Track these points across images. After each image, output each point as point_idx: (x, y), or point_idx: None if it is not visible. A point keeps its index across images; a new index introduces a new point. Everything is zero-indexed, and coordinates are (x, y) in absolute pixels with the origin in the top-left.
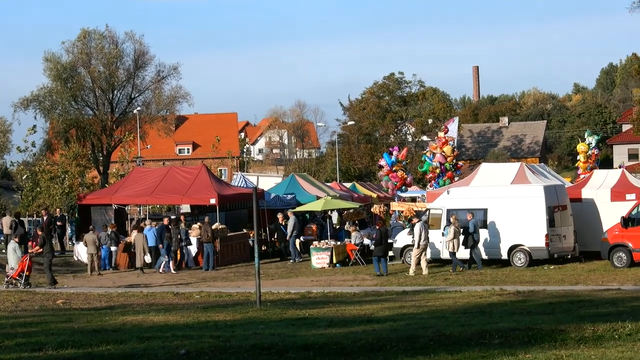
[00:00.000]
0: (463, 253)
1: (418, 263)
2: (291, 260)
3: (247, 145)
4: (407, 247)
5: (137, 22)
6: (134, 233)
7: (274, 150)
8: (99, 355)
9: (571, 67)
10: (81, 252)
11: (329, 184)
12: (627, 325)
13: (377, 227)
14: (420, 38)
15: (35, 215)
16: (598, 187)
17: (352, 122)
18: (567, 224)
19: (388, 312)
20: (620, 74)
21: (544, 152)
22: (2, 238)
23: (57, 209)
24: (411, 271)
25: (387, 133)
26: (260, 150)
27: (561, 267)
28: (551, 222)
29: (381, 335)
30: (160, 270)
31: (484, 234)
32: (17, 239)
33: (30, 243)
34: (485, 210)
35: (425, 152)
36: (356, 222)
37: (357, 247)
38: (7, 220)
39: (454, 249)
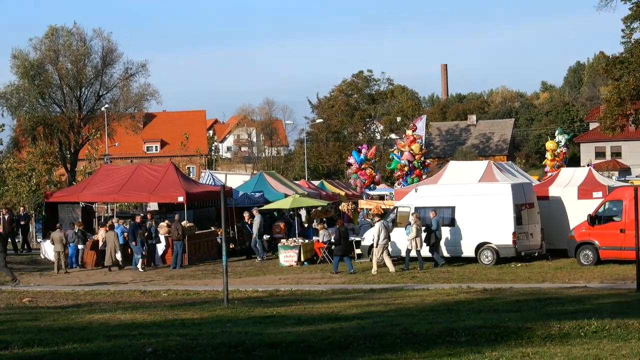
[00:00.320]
0: (425, 250)
1: (383, 261)
2: (257, 259)
3: (216, 143)
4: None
5: (106, 20)
6: (102, 231)
7: (243, 148)
8: (65, 353)
9: (539, 65)
10: (48, 250)
11: (297, 182)
12: (593, 323)
13: (337, 227)
14: (388, 36)
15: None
16: (565, 185)
17: (321, 120)
18: (535, 222)
19: (356, 310)
20: (588, 72)
21: (512, 150)
22: None
23: (22, 207)
24: (373, 270)
25: (355, 131)
26: (228, 148)
27: (528, 265)
28: (518, 220)
29: (348, 333)
30: (140, 268)
31: (452, 231)
32: None
33: None
34: (452, 208)
35: (393, 150)
36: (324, 220)
37: (325, 245)
38: None
39: (416, 247)
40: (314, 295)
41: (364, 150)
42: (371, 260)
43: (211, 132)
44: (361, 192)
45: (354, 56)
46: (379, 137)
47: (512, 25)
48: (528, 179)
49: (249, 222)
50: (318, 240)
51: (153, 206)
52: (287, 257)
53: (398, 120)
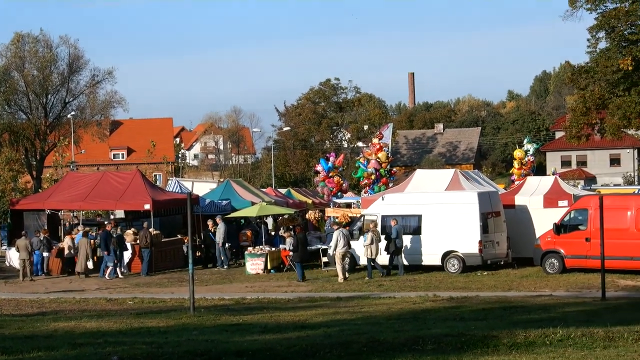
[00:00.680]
0: (384, 259)
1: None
2: (223, 267)
3: (183, 151)
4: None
5: (72, 27)
6: (67, 238)
7: (210, 156)
8: None
9: (505, 74)
10: (13, 257)
11: (264, 189)
12: (559, 331)
13: (295, 233)
14: (356, 45)
15: None
16: (531, 193)
17: (288, 128)
18: (501, 231)
19: (322, 318)
20: (554, 81)
21: (478, 159)
22: None
23: None
24: (340, 279)
25: (322, 139)
26: (195, 156)
27: (494, 274)
28: (484, 229)
29: (315, 341)
30: (107, 277)
31: (418, 240)
32: None
33: None
34: (419, 217)
35: (359, 158)
36: (291, 227)
37: (291, 253)
38: None
39: (372, 255)
40: (280, 303)
41: (331, 158)
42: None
43: (178, 139)
44: (328, 200)
45: (321, 64)
46: (346, 145)
47: (478, 34)
48: (494, 188)
49: (212, 230)
50: (285, 249)
51: (119, 214)
52: (254, 265)
53: (365, 129)
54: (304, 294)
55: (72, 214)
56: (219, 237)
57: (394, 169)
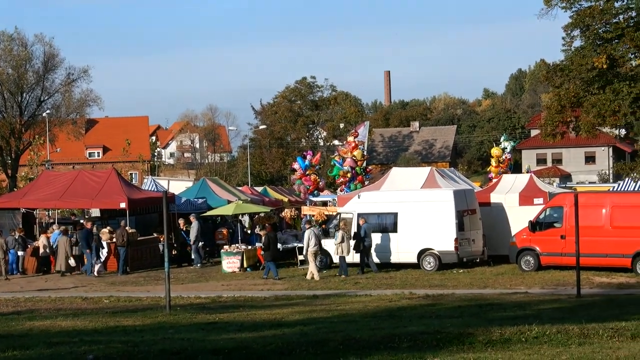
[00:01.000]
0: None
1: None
2: (193, 266)
3: (158, 149)
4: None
5: (48, 25)
6: (43, 237)
7: (186, 154)
8: None
9: (481, 72)
10: None
11: (240, 188)
12: (534, 329)
13: (266, 232)
14: (332, 43)
15: None
16: (506, 191)
17: (264, 126)
18: (476, 228)
19: (298, 316)
20: (529, 79)
21: (454, 157)
22: None
23: None
24: (316, 277)
25: (298, 137)
26: (171, 154)
27: (470, 271)
28: (460, 226)
29: (291, 339)
30: (96, 274)
31: (394, 237)
32: None
33: None
34: (395, 215)
35: (334, 156)
36: (267, 226)
37: None
38: None
39: (342, 253)
40: (256, 301)
41: (308, 157)
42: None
43: (154, 138)
44: (305, 198)
45: (297, 63)
46: (322, 144)
47: (454, 33)
48: (470, 186)
49: (183, 229)
50: (261, 247)
51: (95, 212)
52: (230, 263)
53: (341, 127)
54: (280, 292)
55: (47, 213)
56: (193, 235)
57: (370, 167)
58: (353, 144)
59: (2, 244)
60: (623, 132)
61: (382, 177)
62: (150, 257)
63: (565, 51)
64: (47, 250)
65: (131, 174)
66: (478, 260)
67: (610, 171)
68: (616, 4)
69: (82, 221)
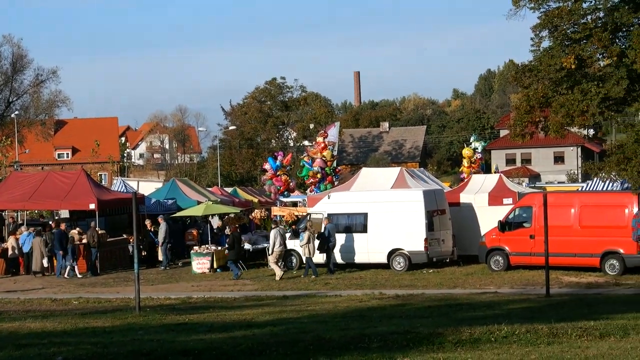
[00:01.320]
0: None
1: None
2: (161, 267)
3: (128, 150)
4: (289, 251)
5: (16, 25)
6: (11, 239)
7: (155, 155)
8: None
9: (451, 73)
10: None
11: (210, 188)
12: (503, 328)
13: (231, 232)
14: (302, 44)
15: None
16: (476, 191)
17: (234, 127)
18: (446, 228)
19: (268, 317)
20: (498, 80)
21: (424, 157)
22: None
23: None
24: (277, 276)
25: (268, 138)
26: (141, 155)
27: (440, 271)
28: (430, 227)
29: (261, 340)
30: (66, 276)
31: (364, 238)
32: None
33: None
34: (365, 215)
35: (303, 157)
36: (237, 226)
37: None
38: None
39: (309, 253)
40: (226, 302)
41: (279, 157)
42: (284, 266)
43: (123, 139)
44: (275, 199)
45: (267, 63)
46: (292, 144)
47: (424, 33)
48: (440, 186)
49: (151, 230)
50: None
51: (64, 213)
52: (200, 264)
53: (311, 127)
54: (250, 293)
55: (15, 214)
56: (161, 237)
57: (340, 168)
58: (322, 145)
59: None
60: (591, 132)
61: (352, 177)
62: (120, 258)
63: (533, 52)
64: (16, 251)
65: (100, 175)
66: (448, 260)
67: (579, 171)
68: (584, 5)
69: (51, 222)
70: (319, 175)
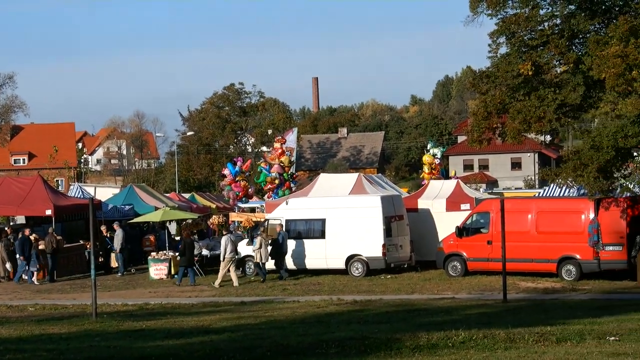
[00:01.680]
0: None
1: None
2: (117, 274)
3: (85, 156)
4: (247, 257)
5: None
6: None
7: (113, 161)
8: None
9: (408, 79)
10: None
11: (167, 194)
12: (461, 334)
13: (183, 237)
14: (260, 49)
15: None
16: (434, 197)
17: (192, 133)
18: (404, 234)
19: (226, 323)
20: (456, 86)
21: (382, 163)
22: None
23: None
24: (216, 283)
25: (226, 143)
26: (98, 161)
27: (398, 277)
28: (388, 232)
29: (219, 346)
30: (32, 281)
31: (322, 243)
32: None
33: None
34: (323, 221)
35: (260, 162)
36: (195, 232)
37: (197, 258)
38: None
39: (261, 259)
40: (184, 308)
41: (239, 163)
42: (242, 272)
43: (80, 144)
44: (233, 205)
45: (225, 69)
46: (250, 150)
47: (382, 39)
48: (398, 192)
49: (107, 235)
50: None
51: (20, 219)
52: (157, 270)
53: (269, 133)
54: (207, 299)
55: None
56: (117, 243)
57: (298, 173)
58: (280, 150)
59: None
60: (548, 138)
61: (310, 183)
62: (77, 265)
63: (491, 58)
64: None
65: (57, 180)
66: (406, 266)
67: (536, 177)
68: (541, 12)
69: (6, 229)
70: (277, 181)
